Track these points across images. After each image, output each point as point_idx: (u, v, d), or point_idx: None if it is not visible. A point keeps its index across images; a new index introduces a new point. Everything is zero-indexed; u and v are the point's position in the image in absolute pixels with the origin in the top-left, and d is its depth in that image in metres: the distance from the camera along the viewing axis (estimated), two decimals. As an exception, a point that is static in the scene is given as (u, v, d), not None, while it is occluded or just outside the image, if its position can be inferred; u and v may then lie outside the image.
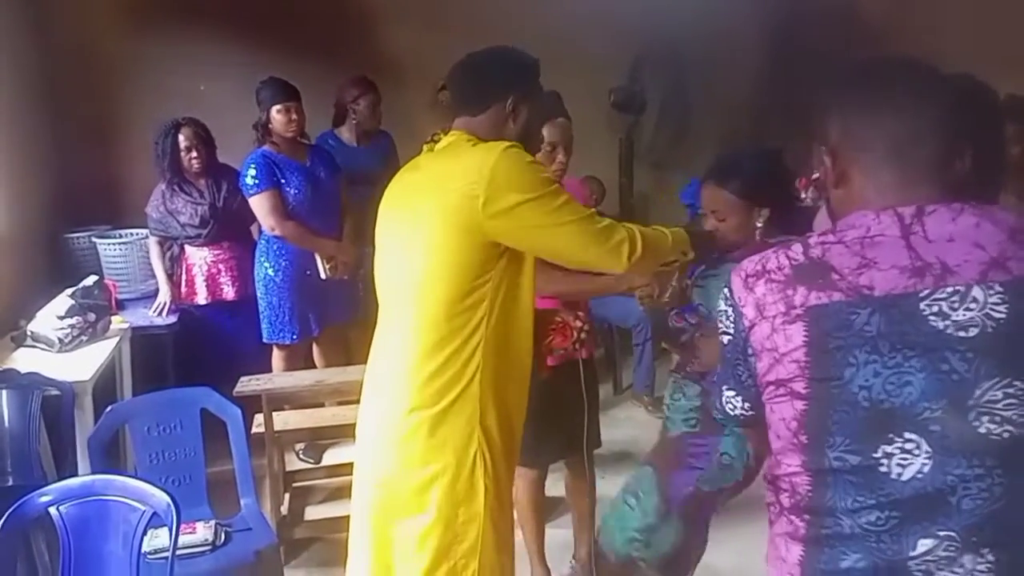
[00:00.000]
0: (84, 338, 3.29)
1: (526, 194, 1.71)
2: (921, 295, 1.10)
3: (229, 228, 3.85)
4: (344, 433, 3.57)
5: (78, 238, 4.16)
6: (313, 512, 3.47)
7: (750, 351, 1.22)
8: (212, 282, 3.89)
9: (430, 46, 4.58)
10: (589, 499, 2.78)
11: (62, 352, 3.20)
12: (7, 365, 2.99)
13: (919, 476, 1.10)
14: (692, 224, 1.99)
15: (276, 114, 3.55)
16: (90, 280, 3.48)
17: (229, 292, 3.88)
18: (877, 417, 1.11)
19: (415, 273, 1.82)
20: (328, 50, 4.45)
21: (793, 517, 1.21)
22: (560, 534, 3.00)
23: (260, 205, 3.55)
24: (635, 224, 1.89)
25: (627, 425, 4.22)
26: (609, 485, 2.74)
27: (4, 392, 2.71)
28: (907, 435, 1.10)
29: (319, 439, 3.76)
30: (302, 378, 3.33)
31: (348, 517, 3.26)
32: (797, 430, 1.17)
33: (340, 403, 3.63)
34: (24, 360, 3.09)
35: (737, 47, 5.17)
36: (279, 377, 3.42)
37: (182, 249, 3.89)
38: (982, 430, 1.08)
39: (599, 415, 2.78)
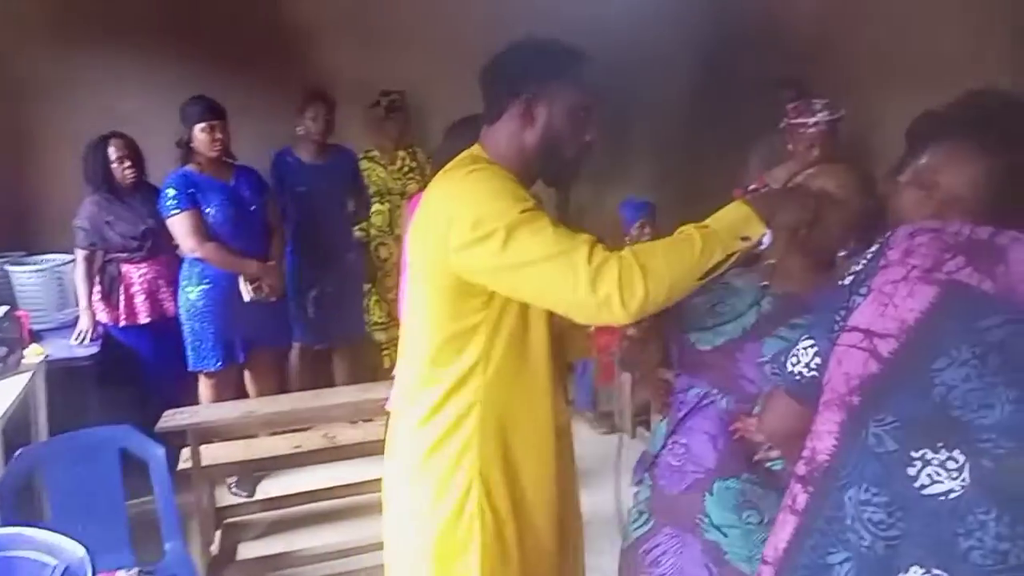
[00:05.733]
0: (-6, 373, 3.09)
1: (477, 230, 1.43)
2: None
3: (167, 243, 3.70)
4: (280, 464, 3.44)
5: (-11, 265, 3.92)
6: (247, 550, 3.31)
7: (864, 290, 1.11)
8: (152, 299, 3.73)
9: (366, 61, 4.52)
10: None
11: (-31, 389, 2.99)
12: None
13: (941, 497, 0.97)
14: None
15: (199, 132, 3.47)
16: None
17: (171, 307, 3.72)
18: (938, 419, 0.99)
19: (412, 304, 1.66)
20: (261, 67, 4.30)
21: (797, 487, 1.11)
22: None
23: (178, 226, 3.47)
24: (646, 244, 1.44)
25: (571, 443, 4.15)
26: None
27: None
28: (956, 453, 0.97)
29: (252, 471, 3.61)
30: (230, 410, 3.17)
31: (285, 555, 3.15)
32: (854, 389, 1.06)
33: (274, 433, 3.49)
34: (-73, 399, 2.88)
35: (672, 60, 5.20)
36: (205, 410, 3.27)
37: (118, 269, 3.71)
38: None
39: None
